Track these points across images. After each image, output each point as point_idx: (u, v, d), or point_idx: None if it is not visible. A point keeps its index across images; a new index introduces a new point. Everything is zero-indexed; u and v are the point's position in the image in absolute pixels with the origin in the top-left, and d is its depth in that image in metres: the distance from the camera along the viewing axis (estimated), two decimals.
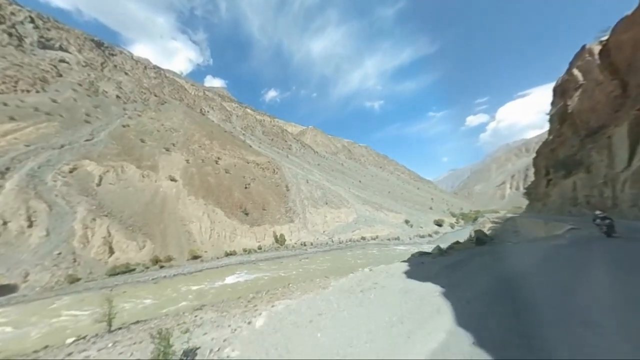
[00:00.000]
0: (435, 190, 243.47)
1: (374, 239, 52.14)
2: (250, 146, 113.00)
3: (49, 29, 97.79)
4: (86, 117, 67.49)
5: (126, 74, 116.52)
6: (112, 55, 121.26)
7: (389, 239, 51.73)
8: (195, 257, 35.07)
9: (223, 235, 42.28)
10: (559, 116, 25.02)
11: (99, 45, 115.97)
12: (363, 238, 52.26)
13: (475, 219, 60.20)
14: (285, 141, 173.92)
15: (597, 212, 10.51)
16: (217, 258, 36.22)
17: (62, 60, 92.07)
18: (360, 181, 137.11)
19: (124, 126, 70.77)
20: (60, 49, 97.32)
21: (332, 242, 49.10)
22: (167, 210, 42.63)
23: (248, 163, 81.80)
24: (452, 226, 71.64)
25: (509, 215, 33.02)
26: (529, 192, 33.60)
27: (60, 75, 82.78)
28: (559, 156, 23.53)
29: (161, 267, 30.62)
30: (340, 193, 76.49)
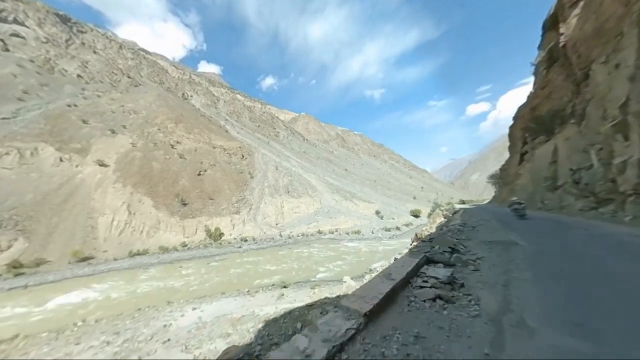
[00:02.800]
0: (429, 179, 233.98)
1: (332, 233, 44.02)
2: (227, 131, 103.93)
3: (2, 0, 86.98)
4: (23, 94, 58.70)
5: (95, 52, 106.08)
6: (81, 32, 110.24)
7: (347, 233, 43.57)
8: (85, 259, 27.39)
9: (139, 230, 34.44)
10: (547, 57, 15.79)
11: (64, 20, 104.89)
12: (319, 232, 44.16)
13: (432, 212, 51.40)
14: (274, 128, 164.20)
15: (514, 199, 10.96)
16: (115, 259, 28.48)
17: (15, 35, 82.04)
18: (346, 169, 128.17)
19: (68, 106, 62.00)
20: (15, 22, 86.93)
21: (280, 237, 41.12)
22: (73, 201, 34.69)
23: (214, 148, 73.22)
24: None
25: (459, 207, 24.63)
26: (500, 175, 24.84)
27: (8, 50, 73.14)
28: (541, 114, 14.71)
29: (19, 274, 22.96)
30: (310, 181, 67.97)
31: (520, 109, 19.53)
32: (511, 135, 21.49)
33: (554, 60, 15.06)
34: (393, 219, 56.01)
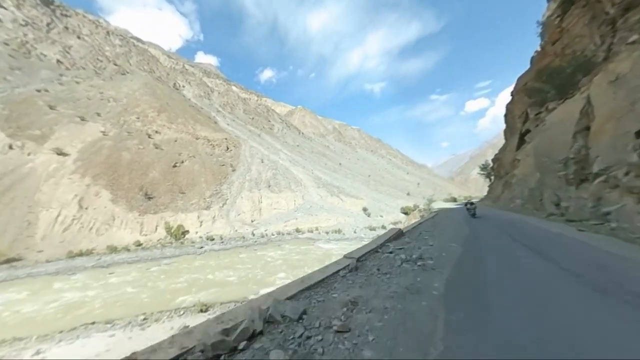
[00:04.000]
0: (427, 175, 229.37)
1: (311, 232, 39.95)
2: (216, 122, 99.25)
3: None
4: None
5: (79, 38, 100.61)
6: (66, 16, 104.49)
7: (327, 232, 39.47)
8: (9, 261, 23.48)
9: (89, 227, 30.44)
10: (562, 2, 11.17)
11: (47, 3, 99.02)
12: (297, 230, 40.10)
13: (410, 212, 46.86)
14: (269, 121, 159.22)
15: (468, 201, 11.87)
16: (47, 261, 24.52)
17: None
18: (340, 163, 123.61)
19: (38, 91, 57.55)
20: None
21: (253, 235, 37.09)
22: (14, 192, 30.60)
23: (197, 139, 68.86)
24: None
25: (439, 207, 20.35)
26: (492, 167, 20.35)
27: None
28: (557, 68, 10.28)
29: None
30: (296, 175, 63.65)
31: (520, 78, 14.98)
32: (508, 115, 16.96)
33: (571, 2, 10.54)
34: (381, 216, 51.86)
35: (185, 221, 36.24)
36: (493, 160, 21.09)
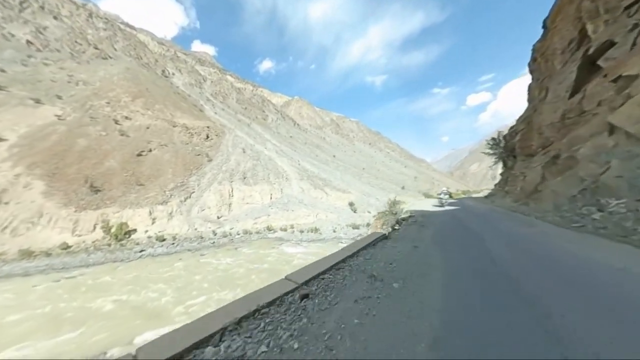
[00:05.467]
0: (426, 169, 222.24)
1: (285, 230, 34.02)
2: (201, 111, 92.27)
3: None
4: None
5: (56, 18, 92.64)
6: None
7: (302, 231, 33.51)
8: None
9: (2, 226, 24.63)
10: None
11: None
12: (269, 228, 34.19)
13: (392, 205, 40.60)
14: (263, 111, 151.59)
15: (443, 189, 11.64)
16: None
17: None
18: (334, 156, 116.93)
19: None
20: None
21: (214, 234, 31.20)
22: None
23: (174, 127, 62.33)
24: None
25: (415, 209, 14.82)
26: (508, 142, 13.83)
27: None
28: None
29: None
30: (280, 166, 57.37)
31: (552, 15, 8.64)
32: (538, 58, 10.56)
33: None
34: (369, 212, 45.71)
35: (133, 218, 30.31)
36: (509, 135, 14.16)
